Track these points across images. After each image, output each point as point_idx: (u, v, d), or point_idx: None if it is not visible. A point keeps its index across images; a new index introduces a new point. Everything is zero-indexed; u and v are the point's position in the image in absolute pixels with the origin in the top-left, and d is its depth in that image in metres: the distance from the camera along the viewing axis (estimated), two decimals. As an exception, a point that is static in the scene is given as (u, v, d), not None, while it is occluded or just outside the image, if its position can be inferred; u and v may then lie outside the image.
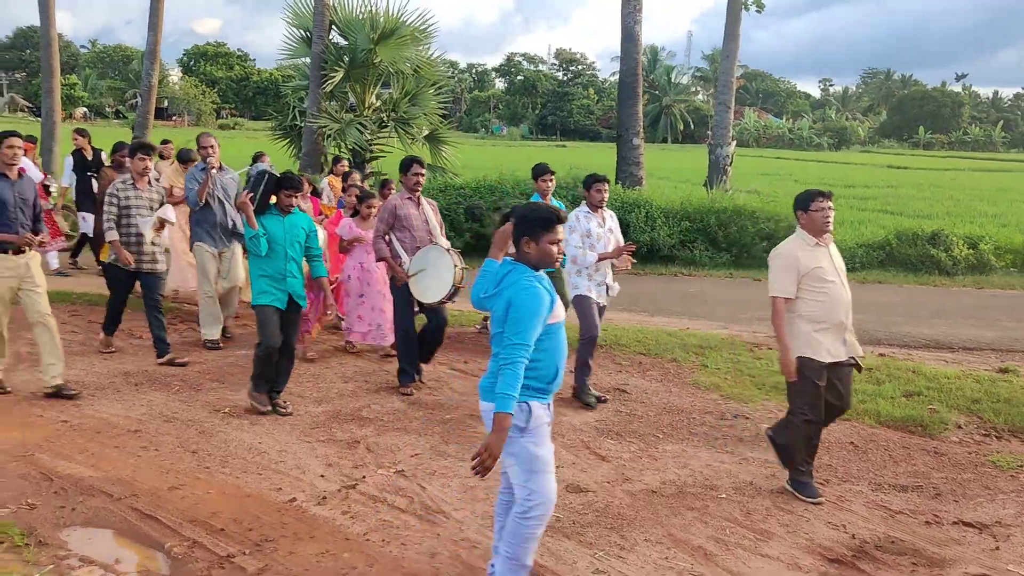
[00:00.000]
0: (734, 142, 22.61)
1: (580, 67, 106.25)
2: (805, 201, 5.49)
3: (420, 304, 7.42)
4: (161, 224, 7.93)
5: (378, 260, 7.72)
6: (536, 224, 3.95)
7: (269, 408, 6.69)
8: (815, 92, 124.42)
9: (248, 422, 6.54)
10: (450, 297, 7.18)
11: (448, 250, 7.26)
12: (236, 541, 4.63)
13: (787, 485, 5.61)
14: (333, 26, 15.26)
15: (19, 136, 6.82)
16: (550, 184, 8.50)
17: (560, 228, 3.98)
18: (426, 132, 15.69)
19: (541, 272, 3.98)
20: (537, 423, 3.94)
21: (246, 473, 5.55)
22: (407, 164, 7.51)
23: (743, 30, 21.80)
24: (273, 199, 6.74)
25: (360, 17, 15.20)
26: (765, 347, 9.45)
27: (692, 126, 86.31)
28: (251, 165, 10.59)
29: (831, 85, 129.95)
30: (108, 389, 7.15)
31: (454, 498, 5.29)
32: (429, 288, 7.17)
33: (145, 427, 6.30)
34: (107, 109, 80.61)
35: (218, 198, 8.64)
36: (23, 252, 6.69)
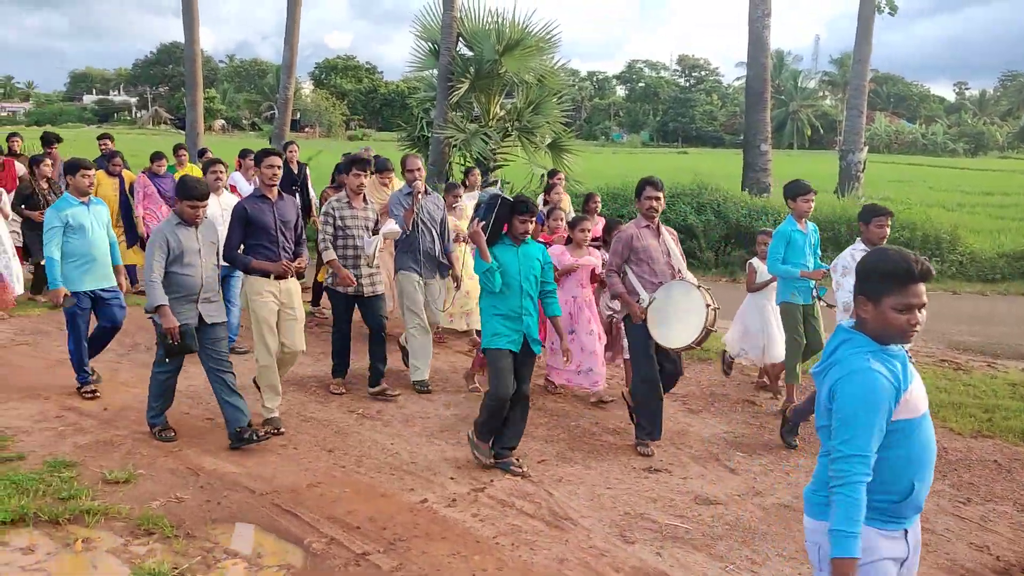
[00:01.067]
0: (866, 147, 21.89)
1: (703, 72, 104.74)
2: None
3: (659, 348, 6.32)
4: (386, 241, 7.57)
5: (613, 298, 6.91)
6: (877, 278, 2.83)
7: (491, 461, 5.89)
8: (949, 96, 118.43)
9: (381, 423, 6.73)
10: (699, 342, 6.21)
11: (698, 287, 6.24)
12: (371, 539, 4.77)
13: None
14: (460, 38, 15.51)
15: (280, 155, 6.73)
16: (810, 204, 7.23)
17: (919, 288, 2.79)
18: (549, 140, 15.77)
19: (893, 347, 2.90)
20: (862, 559, 2.80)
21: (380, 473, 5.72)
22: (640, 187, 6.43)
23: (874, 33, 21.11)
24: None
25: (486, 28, 15.40)
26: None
27: (820, 131, 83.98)
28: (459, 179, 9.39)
29: (967, 88, 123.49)
30: (248, 389, 7.42)
31: (581, 505, 5.32)
32: (673, 331, 6.15)
33: (284, 426, 6.55)
34: (243, 121, 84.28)
35: (424, 223, 7.79)
36: (284, 278, 6.56)
